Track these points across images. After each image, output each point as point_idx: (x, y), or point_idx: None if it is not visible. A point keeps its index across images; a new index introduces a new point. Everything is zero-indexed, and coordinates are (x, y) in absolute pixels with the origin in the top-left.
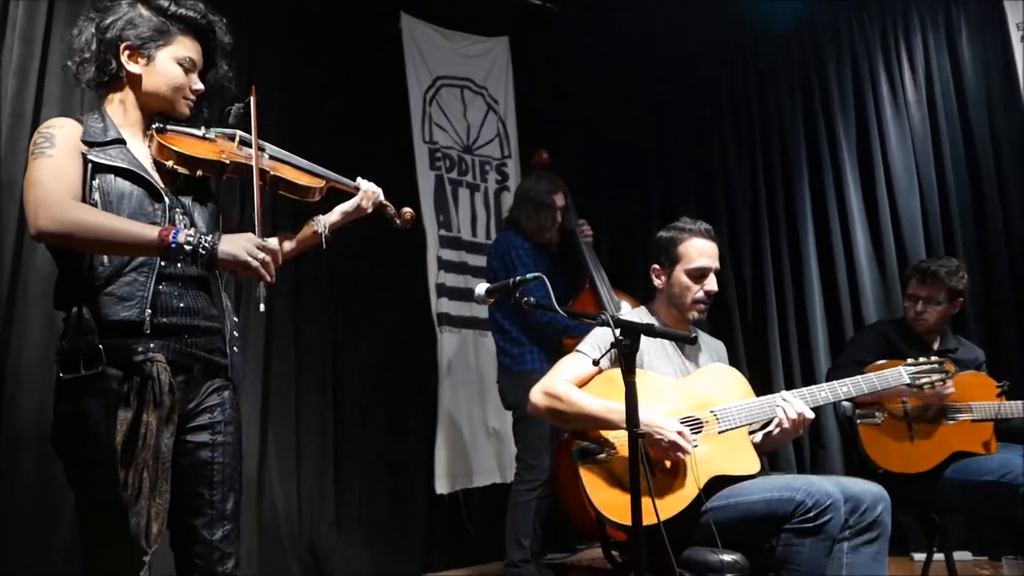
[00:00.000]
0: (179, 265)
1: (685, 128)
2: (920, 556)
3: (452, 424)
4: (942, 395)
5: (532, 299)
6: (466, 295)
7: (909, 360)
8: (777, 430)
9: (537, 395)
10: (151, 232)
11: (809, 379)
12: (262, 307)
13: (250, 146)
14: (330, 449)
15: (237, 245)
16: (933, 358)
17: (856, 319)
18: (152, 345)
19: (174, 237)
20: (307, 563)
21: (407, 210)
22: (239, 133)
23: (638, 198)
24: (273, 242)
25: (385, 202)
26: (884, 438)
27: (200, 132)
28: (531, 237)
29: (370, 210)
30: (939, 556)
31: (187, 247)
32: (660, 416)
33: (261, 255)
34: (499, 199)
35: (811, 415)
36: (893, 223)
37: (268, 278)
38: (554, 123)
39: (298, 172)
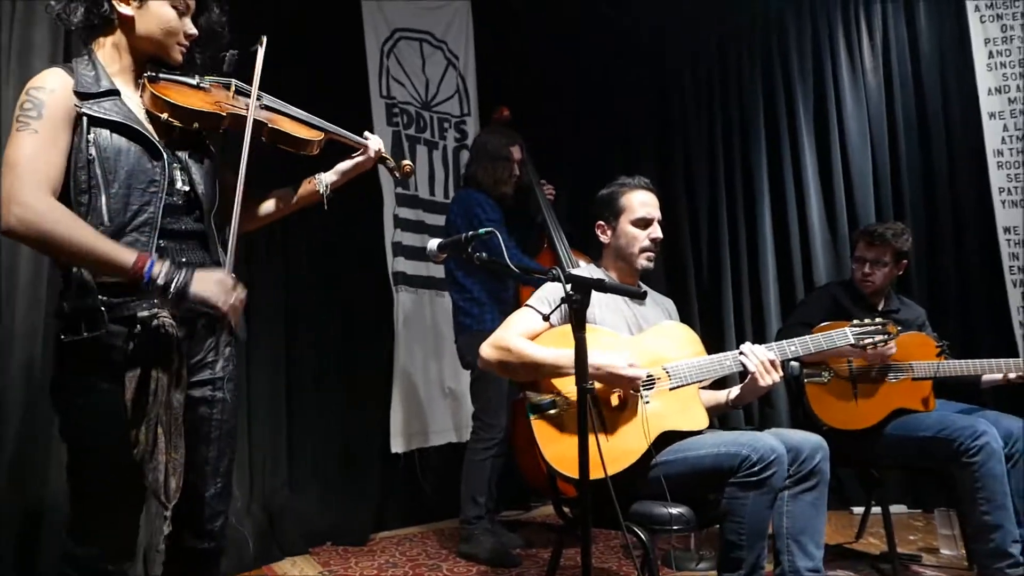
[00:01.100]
0: (178, 220)
1: (646, 91)
2: (859, 510)
3: (408, 383)
4: (884, 356)
5: (483, 255)
6: (423, 254)
7: (855, 321)
8: (749, 381)
9: (487, 349)
10: (127, 258)
11: (760, 339)
12: (242, 336)
13: (246, 95)
14: (283, 408)
15: (209, 287)
16: (877, 319)
17: (807, 281)
18: (156, 300)
19: (148, 269)
20: (260, 521)
21: (407, 163)
22: (234, 82)
23: (597, 160)
24: (240, 288)
25: (385, 155)
26: (829, 396)
27: (194, 81)
28: (488, 191)
29: (370, 166)
30: (876, 510)
31: (159, 282)
32: (609, 355)
33: (232, 300)
34: (458, 157)
35: (776, 358)
36: (846, 187)
37: (234, 327)
38: (515, 83)
39: (297, 124)
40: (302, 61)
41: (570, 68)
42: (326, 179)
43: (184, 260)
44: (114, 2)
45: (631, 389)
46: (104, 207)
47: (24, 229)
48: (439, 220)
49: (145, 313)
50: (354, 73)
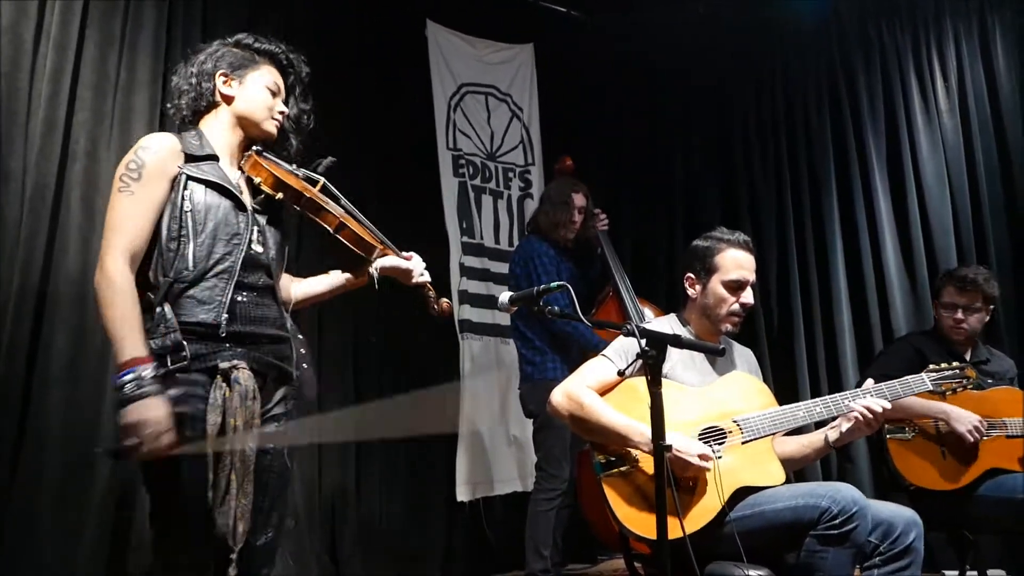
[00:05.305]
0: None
1: (711, 137)
2: (951, 573)
3: (473, 431)
4: (972, 423)
5: (556, 308)
6: (488, 302)
7: (931, 366)
8: (852, 425)
9: (559, 396)
10: (129, 351)
11: (836, 392)
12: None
13: (328, 196)
14: (351, 455)
15: (138, 415)
16: (955, 363)
17: (885, 330)
18: (233, 352)
19: (127, 372)
20: (327, 567)
21: (445, 301)
22: (324, 180)
23: (662, 206)
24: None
25: (428, 285)
26: (914, 454)
27: (291, 168)
28: (547, 235)
29: (412, 282)
30: (972, 574)
31: (118, 382)
32: (680, 437)
33: (151, 436)
34: (522, 206)
35: (886, 405)
36: (924, 233)
37: (132, 457)
38: (578, 131)
39: (365, 230)
40: (373, 115)
41: (633, 115)
42: (379, 263)
43: (256, 315)
44: (218, 84)
45: (694, 475)
46: (191, 253)
47: (98, 292)
48: (503, 268)
49: (225, 364)
50: (422, 127)
